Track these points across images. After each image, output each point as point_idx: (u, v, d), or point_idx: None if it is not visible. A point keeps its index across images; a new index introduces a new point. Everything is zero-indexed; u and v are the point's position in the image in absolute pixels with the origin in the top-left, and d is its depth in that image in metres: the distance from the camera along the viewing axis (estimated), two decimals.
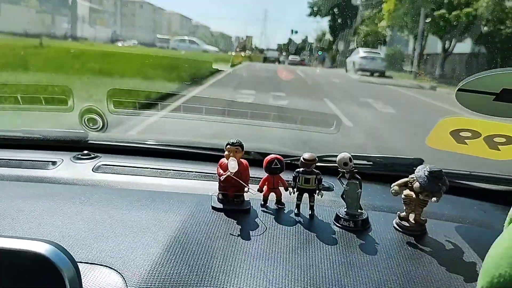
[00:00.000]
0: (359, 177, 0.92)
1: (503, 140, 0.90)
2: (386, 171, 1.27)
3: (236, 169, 0.91)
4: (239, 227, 0.89)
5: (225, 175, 0.92)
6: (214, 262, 0.75)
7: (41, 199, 0.97)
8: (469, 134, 0.92)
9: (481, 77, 0.74)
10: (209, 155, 1.33)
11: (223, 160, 0.96)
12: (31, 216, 0.88)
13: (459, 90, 0.77)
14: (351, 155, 1.33)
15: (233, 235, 0.85)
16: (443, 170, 1.26)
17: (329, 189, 1.17)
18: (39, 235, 0.80)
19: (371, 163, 1.29)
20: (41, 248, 0.53)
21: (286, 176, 0.99)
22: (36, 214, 0.89)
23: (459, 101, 0.79)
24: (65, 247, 0.55)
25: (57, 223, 0.85)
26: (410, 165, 1.26)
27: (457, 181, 1.23)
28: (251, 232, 0.87)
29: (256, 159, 1.25)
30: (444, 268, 0.78)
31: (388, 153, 1.28)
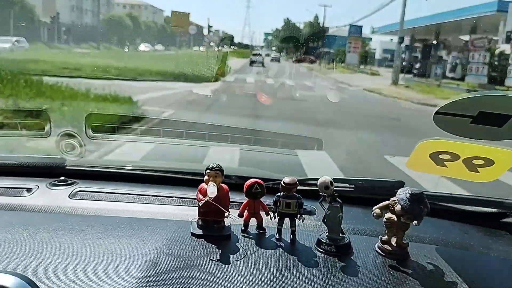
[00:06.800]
0: (340, 201, 0.91)
1: (482, 162, 0.91)
2: (367, 194, 1.27)
3: (215, 194, 0.89)
4: (219, 253, 0.86)
5: (204, 201, 0.90)
6: None
7: (13, 228, 0.93)
8: (448, 157, 0.92)
9: (458, 100, 0.75)
10: (189, 180, 1.30)
11: (203, 185, 0.94)
12: (2, 246, 0.84)
13: (436, 113, 0.77)
14: (332, 179, 1.34)
15: (212, 260, 0.83)
16: (424, 193, 1.28)
17: (311, 213, 1.16)
18: (10, 266, 0.77)
19: (352, 186, 1.28)
20: (7, 280, 0.51)
21: (268, 200, 0.97)
22: (7, 243, 0.86)
23: (437, 123, 0.79)
24: (35, 279, 0.52)
25: (29, 253, 0.82)
26: (391, 188, 1.27)
27: (438, 203, 1.24)
28: (231, 258, 0.84)
29: (237, 183, 1.23)
30: None
31: None
